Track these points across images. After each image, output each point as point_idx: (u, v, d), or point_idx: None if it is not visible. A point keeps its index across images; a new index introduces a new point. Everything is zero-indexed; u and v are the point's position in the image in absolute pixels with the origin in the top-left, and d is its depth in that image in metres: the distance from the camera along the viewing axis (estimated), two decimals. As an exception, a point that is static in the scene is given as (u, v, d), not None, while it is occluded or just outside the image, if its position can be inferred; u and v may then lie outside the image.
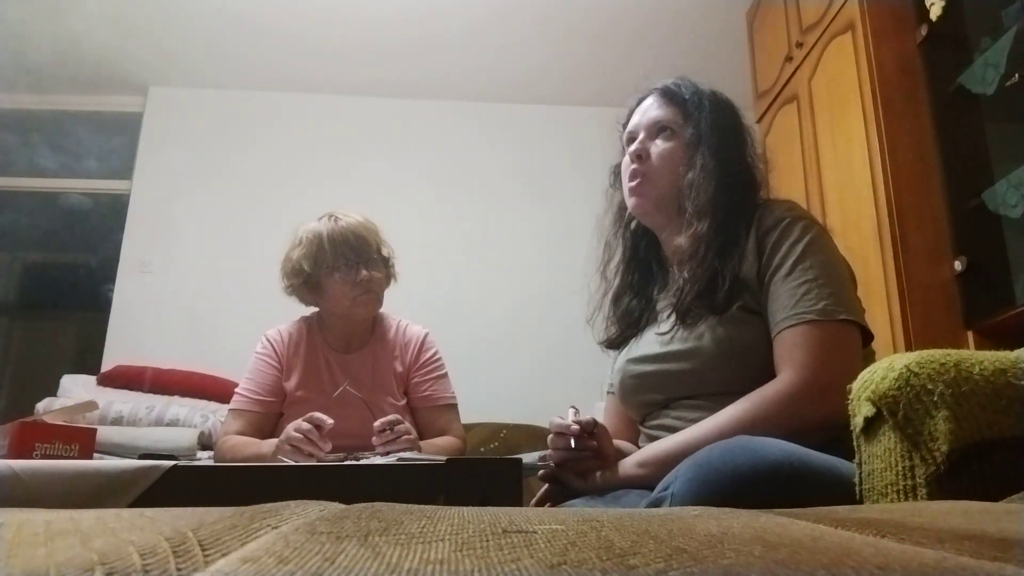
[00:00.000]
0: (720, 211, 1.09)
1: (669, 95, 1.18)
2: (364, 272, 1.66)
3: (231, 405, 1.70)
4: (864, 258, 2.18)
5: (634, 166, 1.16)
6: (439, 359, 1.78)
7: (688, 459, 0.81)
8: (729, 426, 0.93)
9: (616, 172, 1.28)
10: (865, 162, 2.24)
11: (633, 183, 1.16)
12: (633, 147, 1.17)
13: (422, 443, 1.57)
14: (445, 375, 1.77)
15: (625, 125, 1.24)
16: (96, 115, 3.85)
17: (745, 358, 1.01)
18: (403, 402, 1.70)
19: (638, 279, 1.24)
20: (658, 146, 1.15)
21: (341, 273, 1.66)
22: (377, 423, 1.44)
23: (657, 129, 1.16)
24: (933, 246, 2.07)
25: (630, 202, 1.18)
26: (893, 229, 2.11)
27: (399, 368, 1.72)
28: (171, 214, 3.65)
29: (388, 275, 1.76)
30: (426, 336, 1.79)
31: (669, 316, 1.11)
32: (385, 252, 1.76)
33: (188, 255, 3.53)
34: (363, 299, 1.68)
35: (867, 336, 1.02)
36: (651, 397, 1.12)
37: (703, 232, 1.08)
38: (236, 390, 1.71)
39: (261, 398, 1.66)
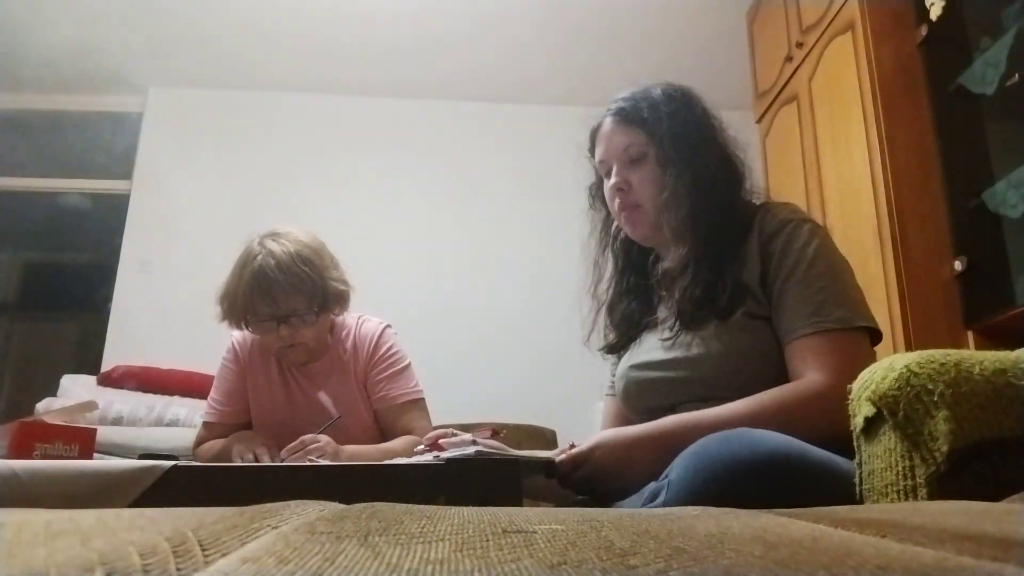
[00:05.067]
0: (703, 222, 1.08)
1: (626, 115, 1.15)
2: (282, 330, 1.49)
3: (203, 415, 1.67)
4: (864, 258, 2.18)
5: (619, 200, 1.15)
6: (395, 353, 1.63)
7: (686, 450, 0.81)
8: (765, 410, 0.93)
9: (593, 193, 1.27)
10: (865, 162, 2.24)
11: (624, 214, 1.16)
12: (612, 180, 1.15)
13: (367, 447, 1.50)
14: (403, 369, 1.63)
15: (591, 150, 1.22)
16: (96, 115, 3.85)
17: (751, 364, 1.01)
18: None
19: (634, 282, 1.23)
20: (636, 174, 1.13)
21: (254, 326, 1.53)
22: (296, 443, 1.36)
23: (627, 156, 1.14)
24: (933, 246, 2.08)
25: (627, 231, 1.18)
26: (893, 229, 2.11)
27: (360, 368, 1.62)
28: (171, 214, 3.65)
29: (328, 314, 1.57)
30: (383, 331, 1.65)
31: (672, 323, 1.10)
32: (331, 287, 1.53)
33: (188, 255, 3.53)
34: (288, 351, 1.54)
35: (876, 337, 1.02)
36: (655, 403, 1.11)
37: (686, 252, 1.08)
38: (207, 399, 1.68)
39: (225, 408, 1.63)
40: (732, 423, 0.90)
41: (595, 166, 1.23)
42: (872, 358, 0.99)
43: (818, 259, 1.02)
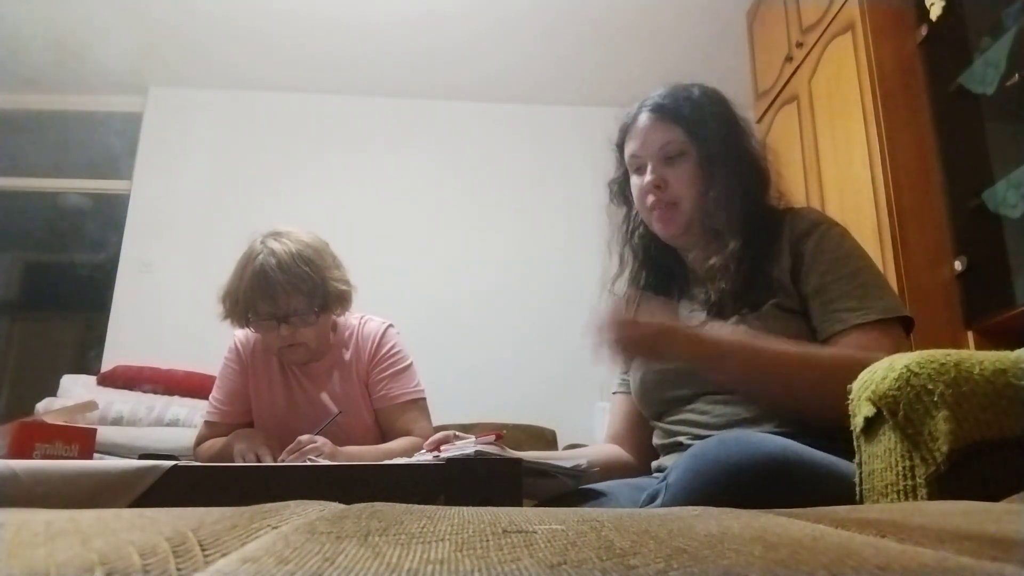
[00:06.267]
0: (748, 219, 1.10)
1: (666, 112, 1.14)
2: (282, 329, 1.49)
3: (204, 415, 1.68)
4: (864, 258, 2.18)
5: (654, 197, 1.14)
6: (397, 352, 1.63)
7: (685, 452, 0.82)
8: (819, 358, 0.97)
9: (613, 189, 1.27)
10: (865, 162, 2.24)
11: (657, 212, 1.15)
12: (648, 178, 1.13)
13: (366, 448, 1.50)
14: (404, 369, 1.63)
15: (620, 145, 1.21)
16: (96, 115, 3.85)
17: None
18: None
19: (654, 282, 1.24)
20: (673, 172, 1.13)
21: (255, 325, 1.53)
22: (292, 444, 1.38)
23: (664, 154, 1.13)
24: (933, 246, 2.08)
25: (657, 228, 1.17)
26: (893, 229, 2.11)
27: (362, 368, 1.62)
28: (171, 214, 3.65)
29: (330, 314, 1.57)
30: (385, 330, 1.65)
31: (698, 314, 1.11)
32: (332, 287, 1.53)
33: (188, 255, 3.53)
34: (289, 351, 1.54)
35: (908, 327, 1.05)
36: (677, 393, 1.11)
37: (737, 248, 1.09)
38: (209, 398, 1.68)
39: (227, 408, 1.64)
40: (787, 356, 0.95)
41: (619, 160, 1.23)
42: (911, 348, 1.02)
43: (852, 258, 1.05)
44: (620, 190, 1.26)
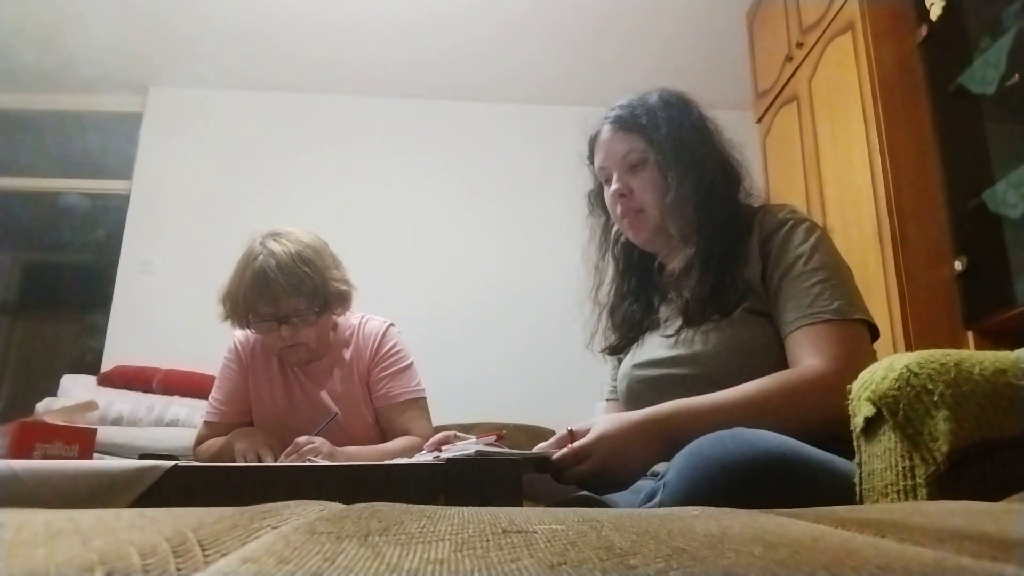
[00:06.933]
0: (708, 223, 1.09)
1: (623, 122, 1.17)
2: (283, 330, 1.49)
3: (204, 415, 1.68)
4: (864, 258, 2.18)
5: (621, 206, 1.17)
6: (397, 351, 1.64)
7: (682, 450, 0.81)
8: (763, 393, 0.93)
9: (592, 200, 1.29)
10: (865, 162, 2.24)
11: (626, 220, 1.17)
12: (614, 187, 1.17)
13: (365, 448, 1.50)
14: (405, 368, 1.63)
15: (590, 158, 1.24)
16: (96, 115, 3.85)
17: (751, 358, 1.02)
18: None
19: (635, 285, 1.25)
20: (637, 180, 1.15)
21: (255, 326, 1.53)
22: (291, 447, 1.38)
23: (627, 163, 1.16)
24: (933, 246, 2.08)
25: (629, 235, 1.20)
26: (893, 229, 2.11)
27: (363, 367, 1.62)
28: (171, 214, 3.65)
29: (330, 314, 1.57)
30: (386, 329, 1.66)
31: (676, 322, 1.11)
32: (332, 287, 1.53)
33: (188, 255, 3.53)
34: (289, 351, 1.54)
35: (874, 333, 1.03)
36: (658, 401, 1.11)
37: (693, 253, 1.09)
38: (209, 398, 1.68)
39: (226, 408, 1.64)
40: (731, 407, 0.92)
41: (594, 173, 1.25)
42: (871, 351, 1.00)
43: (815, 255, 1.03)
44: (598, 201, 1.28)
